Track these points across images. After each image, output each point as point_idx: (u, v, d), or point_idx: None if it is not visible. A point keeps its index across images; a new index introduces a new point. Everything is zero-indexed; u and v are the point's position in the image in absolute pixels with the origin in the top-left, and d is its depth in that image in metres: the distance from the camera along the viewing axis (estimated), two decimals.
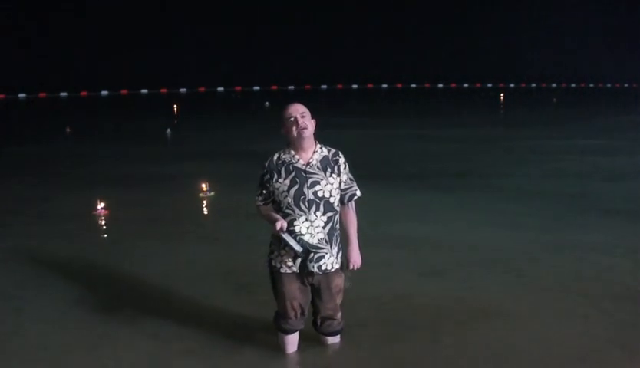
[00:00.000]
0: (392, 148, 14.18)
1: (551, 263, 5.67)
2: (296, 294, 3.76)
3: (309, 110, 3.75)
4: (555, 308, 4.61)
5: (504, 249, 6.10)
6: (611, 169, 10.83)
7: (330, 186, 3.68)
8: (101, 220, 7.66)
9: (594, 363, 3.80)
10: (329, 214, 3.68)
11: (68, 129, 18.14)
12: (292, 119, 3.65)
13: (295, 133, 3.64)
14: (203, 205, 8.54)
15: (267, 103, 29.10)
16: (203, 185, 8.93)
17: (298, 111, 3.67)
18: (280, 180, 3.68)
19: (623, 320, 4.37)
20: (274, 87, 44.21)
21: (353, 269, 3.83)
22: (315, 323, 3.95)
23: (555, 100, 34.05)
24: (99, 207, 7.85)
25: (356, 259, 3.81)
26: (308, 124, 3.66)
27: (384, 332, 4.23)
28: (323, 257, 3.68)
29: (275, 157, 3.76)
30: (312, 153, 3.72)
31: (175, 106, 27.60)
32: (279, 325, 3.87)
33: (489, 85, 50.31)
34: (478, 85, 50.15)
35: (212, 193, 8.86)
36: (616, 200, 8.32)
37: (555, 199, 8.39)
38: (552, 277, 5.29)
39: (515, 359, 3.85)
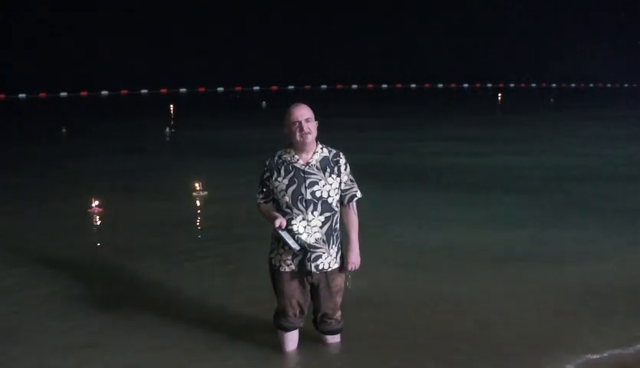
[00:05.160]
0: None
1: None
2: (295, 293, 3.81)
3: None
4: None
5: None
6: None
7: (329, 187, 3.72)
8: (96, 218, 7.72)
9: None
10: (327, 214, 3.72)
11: (64, 130, 18.20)
12: (297, 123, 3.68)
13: (298, 138, 3.68)
14: (197, 204, 8.60)
15: (264, 102, 29.02)
16: (197, 185, 8.99)
17: (304, 116, 3.70)
18: (279, 179, 3.72)
19: None
20: (274, 88, 44.17)
21: (351, 270, 3.87)
22: (314, 321, 3.99)
23: (552, 100, 34.01)
24: (93, 205, 7.92)
25: (354, 260, 3.84)
26: (312, 129, 3.70)
27: (383, 332, 4.29)
28: (320, 256, 3.73)
29: (276, 156, 3.80)
30: (312, 154, 3.76)
31: (172, 106, 27.59)
32: (279, 323, 3.92)
33: (490, 85, 50.22)
34: (478, 85, 50.08)
35: (206, 192, 8.93)
36: None
37: None
38: None
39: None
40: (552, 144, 14.60)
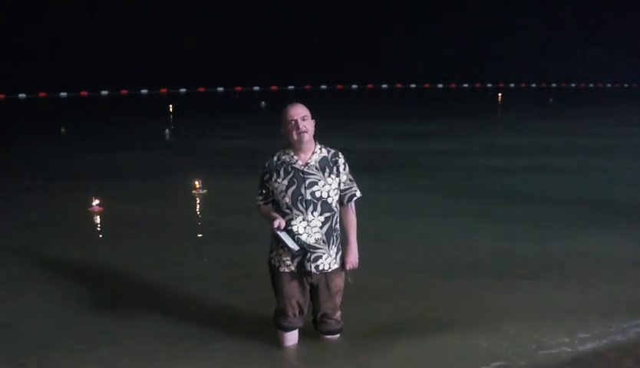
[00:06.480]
0: None
1: None
2: (295, 293, 3.81)
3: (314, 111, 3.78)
4: None
5: None
6: None
7: (328, 187, 3.72)
8: (97, 217, 7.73)
9: None
10: (327, 214, 3.72)
11: (63, 130, 18.25)
12: (293, 122, 3.67)
13: (295, 137, 3.68)
14: (197, 203, 8.61)
15: (263, 102, 29.01)
16: (196, 183, 9.02)
17: (299, 114, 3.69)
18: (279, 180, 3.72)
19: None
20: (274, 88, 44.17)
21: (350, 270, 3.87)
22: (314, 321, 3.99)
23: (551, 100, 34.07)
24: (94, 204, 7.93)
25: (353, 260, 3.84)
26: (309, 127, 3.69)
27: (382, 329, 4.28)
28: (320, 257, 3.73)
29: (275, 157, 3.80)
30: (311, 154, 3.75)
31: (170, 106, 27.62)
32: (278, 323, 3.92)
33: (489, 85, 50.22)
34: (478, 85, 50.07)
35: (205, 191, 8.95)
36: None
37: None
38: None
39: None
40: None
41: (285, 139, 3.78)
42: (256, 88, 44.39)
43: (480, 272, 5.44)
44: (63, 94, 38.58)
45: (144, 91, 42.11)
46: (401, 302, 4.74)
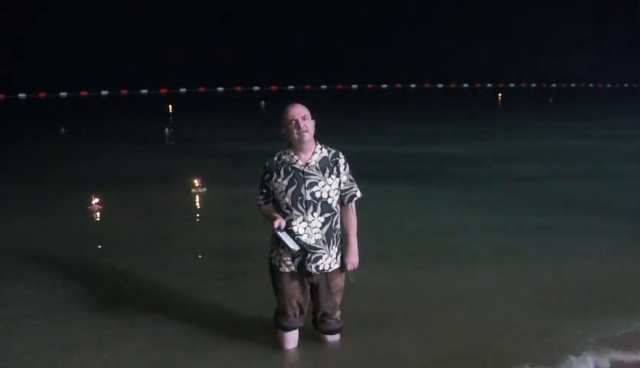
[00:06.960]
0: None
1: None
2: (295, 293, 3.82)
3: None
4: None
5: None
6: None
7: (328, 187, 3.72)
8: (97, 216, 7.73)
9: None
10: (327, 215, 3.72)
11: (63, 130, 18.26)
12: (294, 122, 3.67)
13: (296, 136, 3.67)
14: (197, 202, 8.62)
15: (262, 102, 28.99)
16: (195, 181, 9.03)
17: (300, 114, 3.69)
18: (279, 180, 3.72)
19: None
20: (274, 88, 44.17)
21: (351, 270, 3.87)
22: (314, 321, 3.99)
23: (551, 100, 34.09)
24: (93, 202, 7.94)
25: (353, 260, 3.84)
26: (309, 127, 3.69)
27: (383, 328, 4.27)
28: (320, 257, 3.73)
29: (276, 157, 3.80)
30: (312, 154, 3.75)
31: (170, 106, 27.61)
32: (279, 323, 3.92)
33: (489, 85, 50.25)
34: (478, 85, 50.09)
35: (205, 189, 8.96)
36: None
37: None
38: None
39: None
40: None
41: (285, 139, 3.78)
42: (256, 88, 44.39)
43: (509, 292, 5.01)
44: (63, 94, 38.59)
45: (144, 91, 42.12)
46: (422, 325, 4.41)
